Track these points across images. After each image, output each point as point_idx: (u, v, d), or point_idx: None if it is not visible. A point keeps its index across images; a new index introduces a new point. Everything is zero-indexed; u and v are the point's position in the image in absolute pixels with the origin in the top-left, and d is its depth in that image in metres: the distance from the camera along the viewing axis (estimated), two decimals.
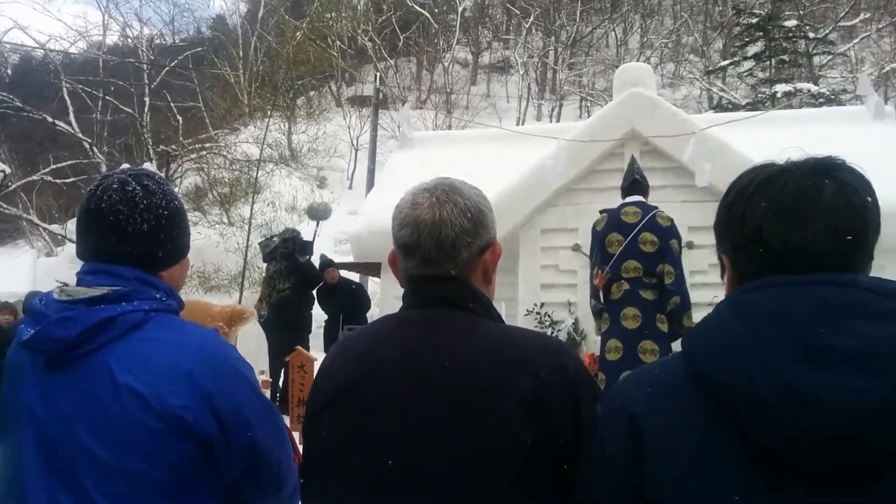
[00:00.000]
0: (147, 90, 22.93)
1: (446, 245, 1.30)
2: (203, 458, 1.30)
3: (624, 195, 5.00)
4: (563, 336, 6.35)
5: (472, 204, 1.33)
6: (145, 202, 1.41)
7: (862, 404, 0.85)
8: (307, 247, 8.73)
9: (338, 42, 27.95)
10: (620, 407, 1.07)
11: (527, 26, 33.76)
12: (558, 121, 28.04)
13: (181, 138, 19.68)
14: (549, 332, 6.42)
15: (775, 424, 0.88)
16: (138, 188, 1.41)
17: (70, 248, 15.60)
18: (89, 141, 20.85)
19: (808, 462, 0.88)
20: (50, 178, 20.54)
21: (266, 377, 5.34)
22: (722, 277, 1.16)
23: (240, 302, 6.19)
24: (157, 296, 1.39)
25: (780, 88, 16.82)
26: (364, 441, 1.22)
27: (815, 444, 0.86)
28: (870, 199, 1.02)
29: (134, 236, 1.39)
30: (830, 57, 21.13)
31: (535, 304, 6.62)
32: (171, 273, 1.48)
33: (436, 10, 35.78)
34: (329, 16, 26.88)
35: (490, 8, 39.49)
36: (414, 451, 1.18)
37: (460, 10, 35.06)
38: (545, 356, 1.23)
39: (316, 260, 8.97)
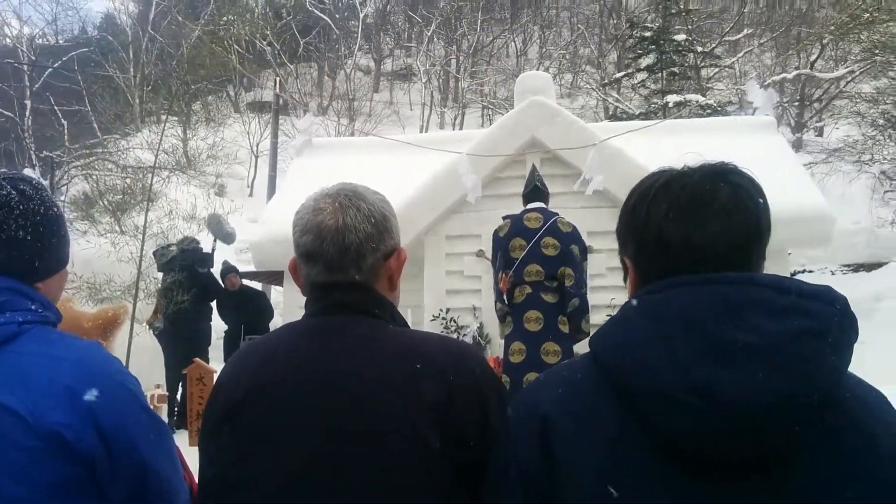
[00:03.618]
0: (28, 92, 21.62)
1: (350, 251, 1.27)
2: (86, 480, 1.19)
3: (525, 202, 5.09)
4: (468, 340, 6.39)
5: (376, 209, 1.32)
6: (21, 207, 1.29)
7: (758, 397, 0.88)
8: (207, 259, 8.43)
9: (235, 46, 27.24)
10: (531, 409, 1.07)
11: (428, 34, 34.05)
12: (461, 128, 28.36)
13: (67, 143, 18.62)
14: (454, 337, 6.46)
15: (679, 418, 0.91)
16: (14, 192, 1.30)
17: None
18: None
19: (710, 454, 0.91)
20: None
21: (163, 391, 5.11)
22: (624, 281, 1.19)
23: (133, 313, 5.90)
24: (32, 307, 1.27)
25: (671, 99, 17.65)
26: (265, 453, 1.17)
27: (716, 435, 0.89)
28: (761, 200, 1.07)
29: (8, 244, 1.27)
30: (717, 70, 22.36)
31: (441, 310, 6.64)
32: (48, 285, 1.36)
33: (337, 16, 35.53)
34: (226, 18, 26.18)
35: (392, 15, 39.58)
36: (318, 461, 1.14)
37: (361, 16, 34.97)
38: (451, 360, 1.23)
39: (217, 267, 8.69)
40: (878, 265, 13.07)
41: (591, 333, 1.13)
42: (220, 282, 8.69)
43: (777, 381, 0.88)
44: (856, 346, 0.95)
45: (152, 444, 1.29)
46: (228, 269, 8.82)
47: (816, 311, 0.93)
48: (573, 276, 4.68)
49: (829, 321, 0.92)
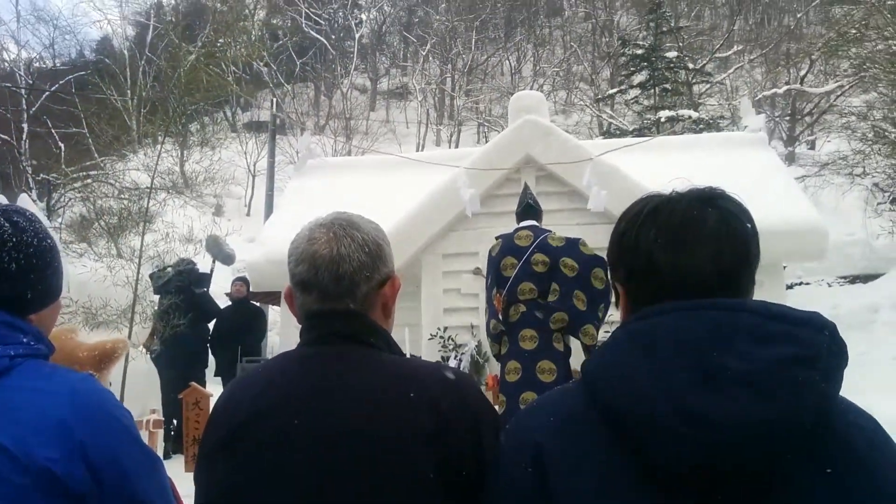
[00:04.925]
0: (26, 116, 21.65)
1: (344, 280, 1.28)
2: None
3: (518, 220, 5.10)
4: (466, 359, 6.38)
5: (370, 238, 1.33)
6: (14, 240, 1.29)
7: (748, 424, 0.88)
8: (203, 279, 8.41)
9: (232, 67, 27.36)
10: (524, 436, 1.07)
11: (424, 54, 34.23)
12: (457, 146, 28.45)
13: (64, 166, 18.62)
14: (453, 356, 6.45)
15: (670, 445, 0.91)
16: (7, 224, 1.30)
17: None
18: None
19: (701, 481, 0.91)
20: None
21: (158, 416, 5.07)
22: (616, 305, 1.19)
23: (129, 337, 5.88)
24: (25, 340, 1.27)
25: (664, 114, 17.76)
26: (260, 483, 1.18)
27: (707, 463, 0.89)
28: (750, 225, 1.07)
29: (1, 276, 1.28)
30: (708, 86, 22.49)
31: (439, 329, 6.63)
32: (41, 317, 1.36)
33: (333, 37, 35.73)
34: (222, 41, 26.30)
35: (387, 35, 39.83)
36: (313, 491, 1.15)
37: (357, 36, 35.17)
38: (445, 389, 1.23)
39: (214, 287, 8.69)
40: (875, 276, 13.07)
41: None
42: (217, 302, 8.70)
43: (767, 408, 0.88)
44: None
45: (144, 478, 1.28)
46: (239, 278, 8.92)
47: (806, 337, 0.94)
48: (558, 290, 4.65)
49: (819, 348, 0.93)
